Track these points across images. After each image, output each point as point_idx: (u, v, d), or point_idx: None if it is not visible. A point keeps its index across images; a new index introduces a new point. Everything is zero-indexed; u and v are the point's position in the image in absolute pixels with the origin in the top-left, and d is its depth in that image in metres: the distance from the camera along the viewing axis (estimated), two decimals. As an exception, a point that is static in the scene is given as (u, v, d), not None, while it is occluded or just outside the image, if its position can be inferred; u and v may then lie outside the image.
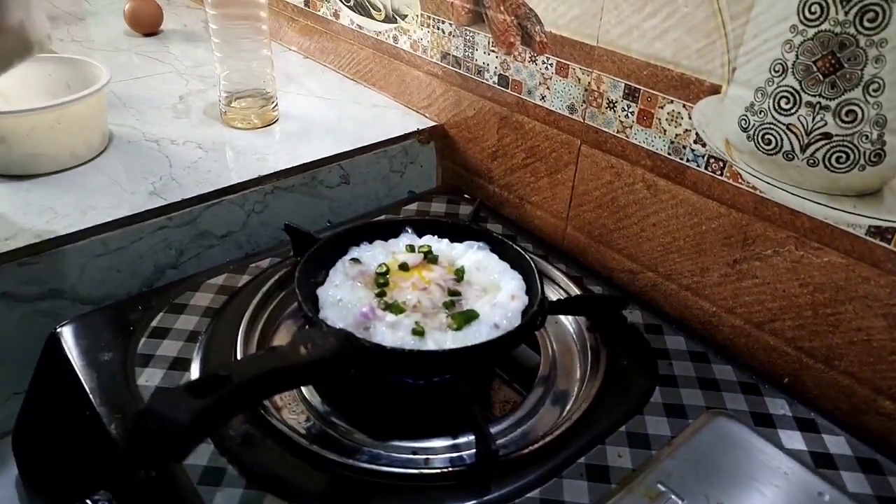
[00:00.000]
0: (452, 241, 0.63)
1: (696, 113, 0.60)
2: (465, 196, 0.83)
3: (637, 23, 0.62)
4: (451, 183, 0.93)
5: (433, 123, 0.90)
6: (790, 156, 0.55)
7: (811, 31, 0.50)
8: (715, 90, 0.58)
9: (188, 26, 1.26)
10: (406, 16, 0.89)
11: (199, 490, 0.44)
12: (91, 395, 0.51)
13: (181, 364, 0.54)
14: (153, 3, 1.19)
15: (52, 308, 0.64)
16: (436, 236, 0.63)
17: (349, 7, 0.99)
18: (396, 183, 0.89)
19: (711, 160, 0.61)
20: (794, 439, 0.52)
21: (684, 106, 0.61)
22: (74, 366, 0.53)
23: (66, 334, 0.57)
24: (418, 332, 0.51)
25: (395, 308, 0.53)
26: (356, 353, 0.43)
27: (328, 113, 0.93)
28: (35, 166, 0.73)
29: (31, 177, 0.73)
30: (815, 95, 0.52)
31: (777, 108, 0.54)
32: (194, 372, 0.54)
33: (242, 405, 0.36)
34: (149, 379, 0.52)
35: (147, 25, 1.19)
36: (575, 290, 0.65)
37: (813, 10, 0.50)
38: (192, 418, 0.30)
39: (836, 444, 0.51)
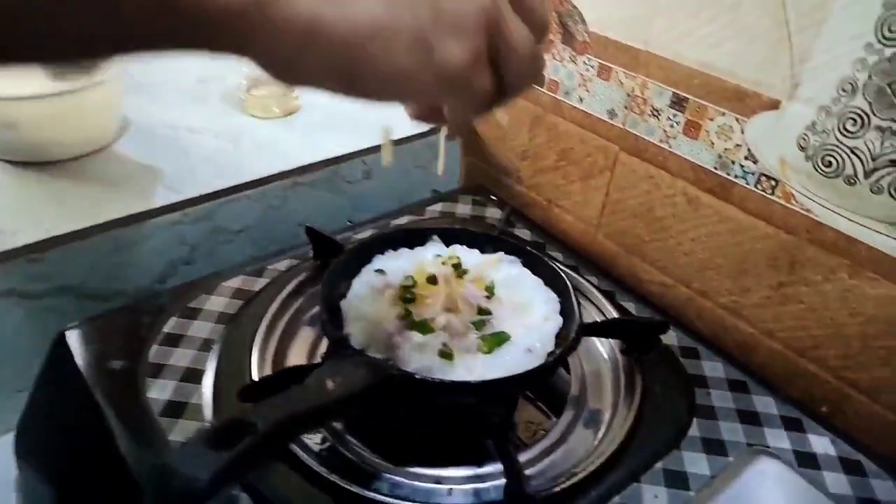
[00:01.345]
0: (483, 251, 0.59)
1: (750, 128, 0.56)
2: (492, 197, 0.79)
3: (691, 29, 0.57)
4: (476, 181, 0.89)
5: (460, 118, 0.86)
6: (852, 180, 0.51)
7: (888, 52, 0.46)
8: (773, 105, 0.54)
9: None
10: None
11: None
12: (102, 408, 0.48)
13: (194, 376, 0.51)
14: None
15: (59, 305, 0.61)
16: (465, 246, 0.60)
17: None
18: (419, 178, 0.85)
19: (762, 178, 0.57)
20: (840, 483, 0.49)
21: (737, 119, 0.57)
22: (83, 374, 0.51)
23: (74, 337, 0.54)
24: (447, 356, 0.48)
25: (422, 327, 0.50)
26: (386, 386, 0.40)
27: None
28: (47, 153, 0.70)
29: (43, 164, 0.69)
30: (886, 119, 0.48)
31: (842, 129, 0.50)
32: (206, 385, 0.51)
33: (267, 455, 0.34)
34: (160, 392, 0.50)
35: None
36: (608, 307, 0.61)
37: (893, 29, 0.46)
38: (213, 476, 0.28)
39: (885, 490, 0.48)
